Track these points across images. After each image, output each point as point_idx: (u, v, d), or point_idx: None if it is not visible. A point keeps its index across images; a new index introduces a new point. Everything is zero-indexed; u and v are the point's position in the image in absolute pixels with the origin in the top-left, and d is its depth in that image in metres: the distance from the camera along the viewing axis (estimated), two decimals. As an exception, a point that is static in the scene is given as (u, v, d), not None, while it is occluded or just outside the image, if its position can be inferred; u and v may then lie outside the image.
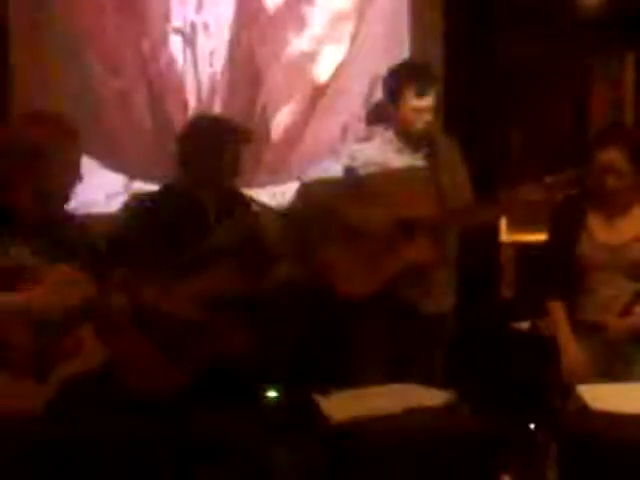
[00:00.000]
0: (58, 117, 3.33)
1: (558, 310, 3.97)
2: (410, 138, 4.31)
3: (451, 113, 5.12)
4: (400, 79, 4.29)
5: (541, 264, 4.08)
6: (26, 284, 3.07)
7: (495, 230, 4.90)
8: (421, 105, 4.23)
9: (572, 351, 3.90)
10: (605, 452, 3.12)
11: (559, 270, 3.95)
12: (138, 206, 3.90)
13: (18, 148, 3.15)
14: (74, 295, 3.10)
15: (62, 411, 3.02)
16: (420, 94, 4.21)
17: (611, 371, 3.80)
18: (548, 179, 4.01)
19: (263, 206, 4.05)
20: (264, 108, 5.31)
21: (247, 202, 3.98)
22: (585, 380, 3.70)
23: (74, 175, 3.23)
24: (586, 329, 3.90)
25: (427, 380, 3.62)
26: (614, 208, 3.92)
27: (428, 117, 4.25)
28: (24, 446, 2.93)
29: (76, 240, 3.28)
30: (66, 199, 3.25)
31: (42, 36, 4.99)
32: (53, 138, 3.16)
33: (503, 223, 4.83)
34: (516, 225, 4.32)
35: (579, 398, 3.39)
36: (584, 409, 3.34)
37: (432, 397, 3.41)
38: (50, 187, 3.17)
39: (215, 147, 3.80)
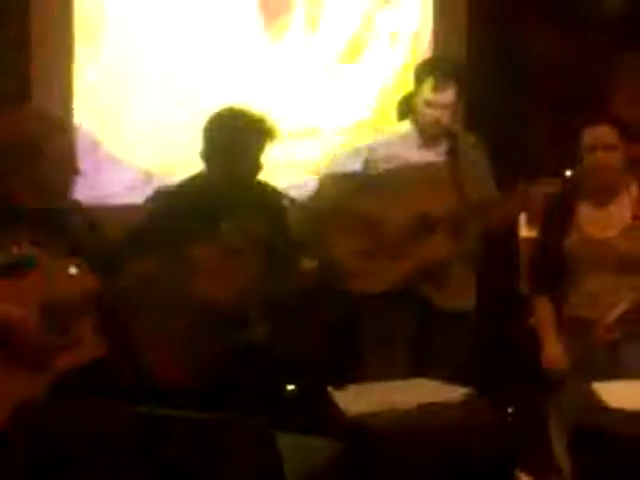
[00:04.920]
0: (47, 112, 3.37)
1: (542, 305, 4.00)
2: (427, 133, 4.30)
3: (473, 108, 5.11)
4: (419, 73, 4.29)
5: (531, 261, 4.11)
6: (27, 276, 3.09)
7: (514, 226, 4.88)
8: (438, 100, 4.20)
9: (551, 345, 3.93)
10: (620, 449, 3.12)
11: (547, 266, 3.97)
12: (163, 199, 3.91)
13: (11, 142, 3.18)
14: (75, 288, 3.13)
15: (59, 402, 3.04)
16: (437, 89, 4.19)
17: (600, 367, 3.79)
18: (568, 172, 4.02)
19: (290, 200, 4.05)
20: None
21: (273, 196, 3.98)
22: (562, 375, 3.83)
23: (69, 168, 3.25)
24: (575, 325, 3.91)
25: (447, 376, 3.62)
26: (602, 195, 3.93)
27: (446, 113, 4.23)
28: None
29: (82, 232, 3.30)
30: (64, 192, 3.27)
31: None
32: (44, 131, 3.19)
33: (523, 219, 4.81)
34: (536, 221, 4.29)
35: (588, 394, 3.40)
36: (599, 406, 3.34)
37: (448, 392, 3.42)
38: (46, 180, 3.19)
39: (240, 141, 3.78)
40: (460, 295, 4.27)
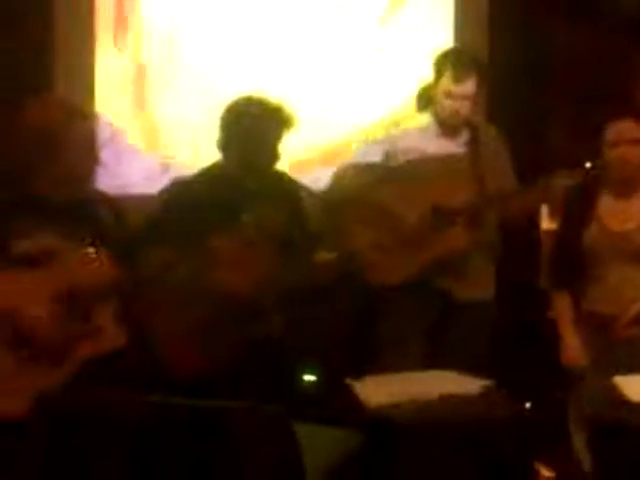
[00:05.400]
0: (66, 100, 3.35)
1: (561, 300, 3.99)
2: (447, 124, 4.27)
3: (494, 101, 5.10)
4: (439, 64, 4.26)
5: (550, 254, 4.09)
6: (49, 266, 3.10)
7: (536, 217, 4.86)
8: (457, 91, 4.17)
9: (569, 341, 3.93)
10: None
11: (567, 259, 3.96)
12: (179, 189, 3.90)
13: (31, 132, 3.17)
14: (97, 277, 3.13)
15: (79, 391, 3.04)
16: (457, 80, 4.16)
17: (620, 362, 3.76)
18: (587, 165, 3.99)
19: (307, 190, 4.04)
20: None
21: (290, 186, 3.97)
22: (581, 370, 3.82)
23: (90, 156, 3.25)
24: (594, 320, 3.89)
25: (465, 368, 3.60)
26: (623, 188, 3.92)
27: (466, 104, 4.20)
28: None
29: (107, 222, 3.30)
30: (85, 180, 3.27)
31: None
32: (63, 120, 3.18)
33: (545, 211, 4.79)
34: (558, 213, 4.27)
35: (608, 388, 3.38)
36: (619, 399, 3.32)
37: (469, 384, 3.40)
38: (67, 168, 3.19)
39: (258, 131, 3.76)
40: (478, 286, 4.24)
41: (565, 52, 5.46)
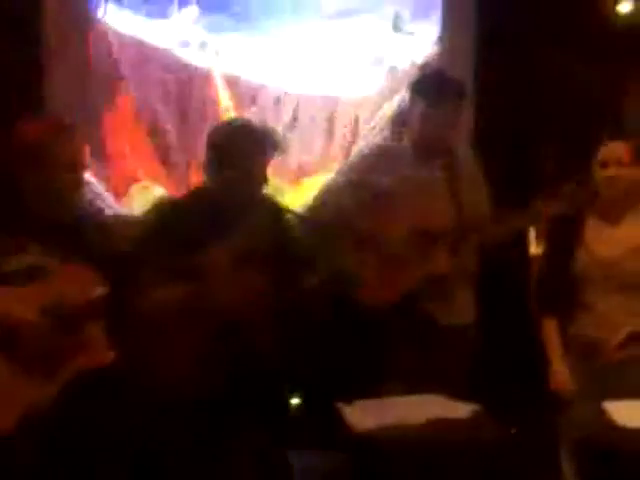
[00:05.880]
0: (56, 117, 3.36)
1: (549, 325, 3.96)
2: (421, 148, 4.24)
3: (482, 124, 5.11)
4: (415, 88, 4.24)
5: (537, 279, 4.08)
6: (38, 283, 3.10)
7: (524, 243, 4.86)
8: (433, 116, 4.15)
9: (558, 366, 3.90)
10: (630, 467, 3.10)
11: (555, 285, 3.95)
12: (165, 209, 3.89)
13: (19, 148, 3.19)
14: (86, 294, 3.12)
15: (69, 409, 3.02)
16: (433, 105, 4.13)
17: (607, 386, 3.74)
18: (566, 188, 3.95)
19: (293, 213, 4.02)
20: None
21: (276, 209, 3.96)
22: (570, 395, 3.79)
23: (77, 174, 3.26)
24: (582, 346, 3.88)
25: (450, 392, 3.59)
26: (612, 211, 3.91)
27: (441, 129, 4.17)
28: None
29: (94, 240, 3.30)
30: (73, 199, 3.27)
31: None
32: (51, 136, 3.20)
33: (532, 236, 4.79)
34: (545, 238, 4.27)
35: (598, 412, 3.37)
36: (609, 424, 3.31)
37: (457, 409, 3.39)
38: (54, 186, 3.19)
39: (245, 154, 3.73)
40: (460, 310, 4.24)
41: (554, 75, 5.46)
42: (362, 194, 4.21)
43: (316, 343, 4.63)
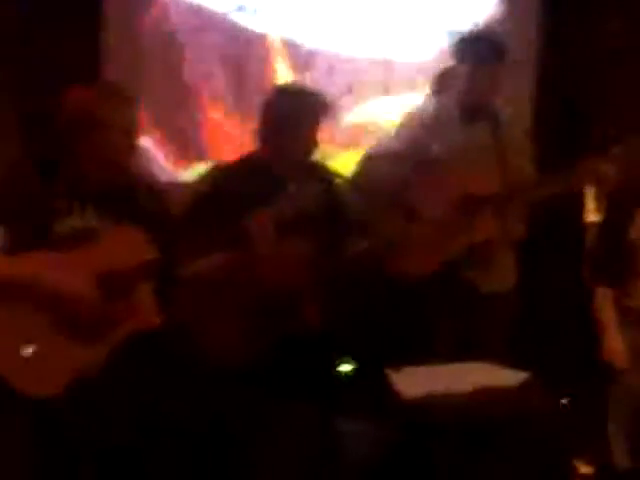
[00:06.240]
0: (112, 85, 3.38)
1: (604, 296, 3.89)
2: (467, 109, 4.19)
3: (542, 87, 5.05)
4: (459, 47, 4.19)
5: (593, 248, 4.01)
6: (91, 246, 3.14)
7: (580, 209, 4.79)
8: (478, 76, 4.10)
9: (611, 339, 3.84)
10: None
11: (611, 254, 3.87)
12: (218, 176, 3.90)
13: (74, 117, 3.21)
14: (136, 258, 3.15)
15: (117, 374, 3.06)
16: (478, 62, 4.08)
17: None
18: (615, 149, 3.85)
19: (343, 179, 4.01)
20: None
21: (326, 175, 3.95)
22: (623, 367, 3.74)
23: (131, 140, 3.28)
24: (637, 316, 3.81)
25: (493, 360, 3.56)
26: None
27: (486, 89, 4.13)
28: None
29: (146, 205, 3.32)
30: (127, 164, 3.29)
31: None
32: (107, 105, 3.22)
33: (591, 203, 4.71)
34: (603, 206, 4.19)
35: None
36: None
37: (506, 377, 3.36)
38: (107, 150, 3.22)
39: (294, 120, 3.73)
40: (502, 277, 4.19)
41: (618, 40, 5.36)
42: (406, 162, 4.18)
43: (364, 310, 4.62)
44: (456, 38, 4.28)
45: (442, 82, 4.46)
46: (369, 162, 4.27)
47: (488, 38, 4.24)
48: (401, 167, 4.16)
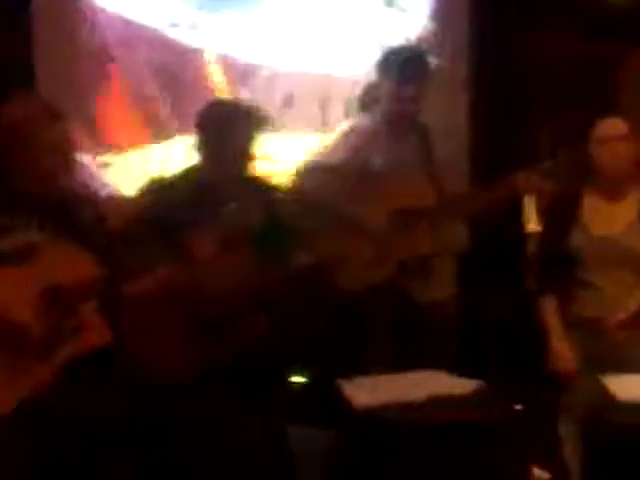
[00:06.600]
0: (42, 100, 3.36)
1: (548, 303, 3.92)
2: (393, 123, 4.23)
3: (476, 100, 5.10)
4: (384, 64, 4.23)
5: (534, 257, 4.06)
6: (33, 263, 3.07)
7: (519, 220, 4.85)
8: (403, 94, 4.15)
9: (557, 346, 3.85)
10: (631, 442, 3.09)
11: (552, 263, 3.91)
12: (159, 190, 3.87)
13: (6, 129, 3.18)
14: (80, 274, 3.11)
15: (65, 392, 3.01)
16: (403, 82, 4.13)
17: (608, 364, 3.70)
18: (546, 164, 3.99)
19: (282, 192, 4.01)
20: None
21: (266, 188, 3.93)
22: (571, 374, 3.75)
23: (66, 156, 3.24)
24: (582, 324, 3.85)
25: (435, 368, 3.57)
26: (611, 189, 3.87)
27: (412, 106, 4.18)
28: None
29: (85, 220, 3.29)
30: (61, 181, 3.24)
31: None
32: (34, 123, 3.17)
33: (532, 213, 4.77)
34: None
35: (599, 388, 3.35)
36: (609, 399, 3.30)
37: (459, 385, 3.38)
38: (41, 167, 3.17)
39: (229, 133, 3.75)
40: (438, 286, 4.23)
41: (550, 51, 5.44)
42: (345, 175, 4.19)
43: (309, 326, 4.62)
44: (381, 54, 4.31)
45: (369, 97, 4.48)
46: (307, 174, 4.27)
47: (412, 56, 4.28)
48: (339, 179, 4.17)
